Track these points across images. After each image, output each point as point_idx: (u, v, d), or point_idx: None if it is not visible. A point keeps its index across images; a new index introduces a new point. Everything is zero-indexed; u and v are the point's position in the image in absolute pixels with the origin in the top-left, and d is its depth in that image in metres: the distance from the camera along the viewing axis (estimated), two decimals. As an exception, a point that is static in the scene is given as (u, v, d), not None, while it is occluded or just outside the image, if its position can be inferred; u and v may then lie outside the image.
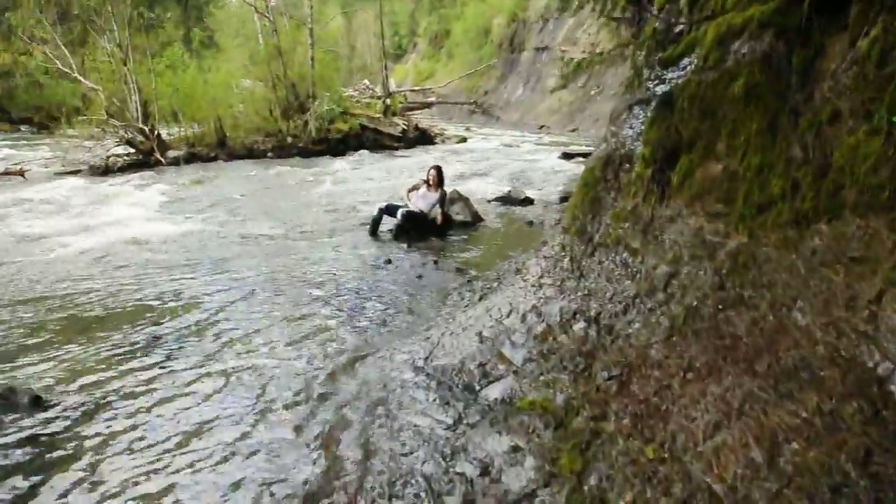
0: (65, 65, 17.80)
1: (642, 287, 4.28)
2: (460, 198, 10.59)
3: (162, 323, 5.72)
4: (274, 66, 20.54)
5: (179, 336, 5.43)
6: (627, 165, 5.00)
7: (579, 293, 4.64)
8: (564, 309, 4.59)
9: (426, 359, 4.76)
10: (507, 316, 4.89)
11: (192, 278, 7.06)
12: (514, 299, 5.08)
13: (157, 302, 6.26)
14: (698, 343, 3.74)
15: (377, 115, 22.94)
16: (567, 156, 19.79)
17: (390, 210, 9.51)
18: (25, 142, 21.97)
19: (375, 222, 9.53)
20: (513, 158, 19.43)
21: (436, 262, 7.75)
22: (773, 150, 3.68)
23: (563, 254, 5.12)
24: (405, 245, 8.77)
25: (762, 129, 3.82)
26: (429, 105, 35.70)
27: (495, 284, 6.18)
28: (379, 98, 24.64)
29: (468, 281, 6.82)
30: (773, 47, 3.82)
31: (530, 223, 10.42)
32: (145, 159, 16.93)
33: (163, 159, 17.02)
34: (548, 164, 18.33)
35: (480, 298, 5.82)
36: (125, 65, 17.01)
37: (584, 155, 19.83)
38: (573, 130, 32.69)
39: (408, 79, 49.09)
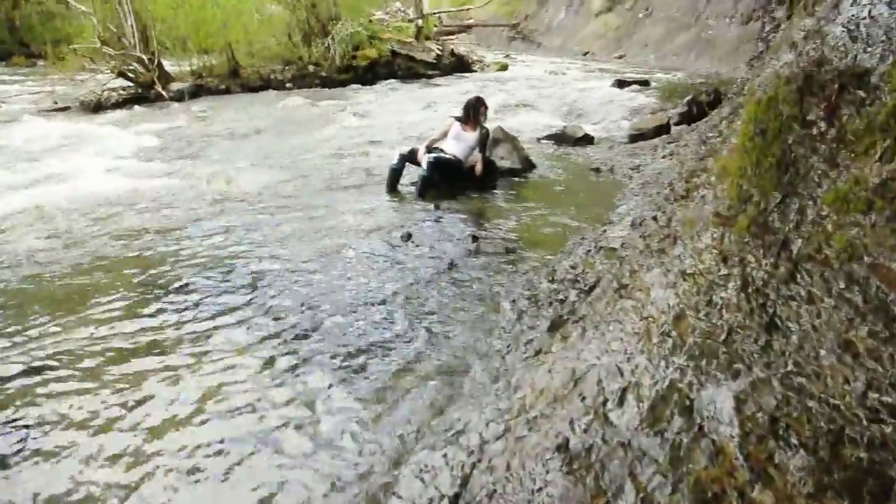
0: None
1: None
2: (506, 137, 7.96)
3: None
4: (291, -17, 17.72)
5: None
6: (860, 94, 2.40)
7: (777, 370, 2.11)
8: (750, 412, 2.07)
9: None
10: (619, 403, 2.38)
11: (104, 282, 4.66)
12: (626, 360, 2.54)
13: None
14: None
15: (409, 40, 19.99)
16: (621, 83, 16.80)
17: (414, 157, 6.94)
18: (33, 77, 19.52)
19: (394, 174, 6.97)
20: (561, 87, 16.52)
21: (475, 240, 5.21)
22: None
23: (725, 271, 2.56)
24: (433, 207, 6.23)
25: None
26: (467, 28, 32.39)
27: (574, 299, 3.64)
28: (411, 21, 21.61)
29: (528, 282, 4.29)
30: None
31: (597, 170, 7.79)
32: (145, 93, 14.43)
33: (165, 93, 14.49)
34: (600, 93, 15.39)
35: (553, 329, 3.31)
36: (115, -20, 14.38)
37: (641, 83, 16.94)
38: (620, 57, 29.32)
39: (444, 4, 45.31)
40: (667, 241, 3.08)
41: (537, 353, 3.16)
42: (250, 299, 4.19)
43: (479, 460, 2.42)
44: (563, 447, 2.32)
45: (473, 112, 7.20)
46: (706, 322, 2.42)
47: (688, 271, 2.69)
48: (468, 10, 33.72)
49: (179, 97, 14.61)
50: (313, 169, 8.03)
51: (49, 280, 4.55)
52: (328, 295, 4.24)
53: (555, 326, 3.37)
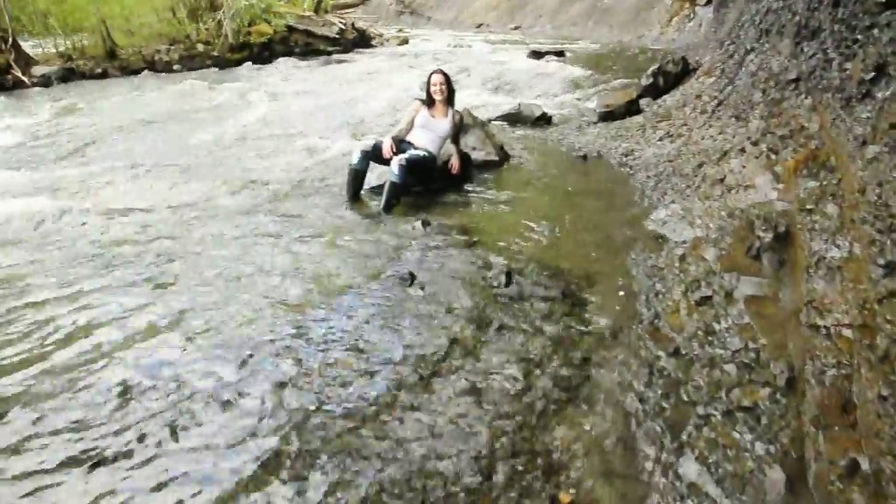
0: None
1: None
2: (475, 123, 6.29)
3: None
4: (172, -48, 15.06)
5: None
6: None
7: None
8: None
9: None
10: None
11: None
12: None
13: None
14: None
15: (307, 14, 17.73)
16: (537, 54, 15.44)
17: (378, 153, 5.15)
18: None
19: (357, 177, 5.14)
20: (476, 61, 14.87)
21: (510, 279, 3.51)
22: None
23: None
24: (420, 224, 4.47)
25: None
26: (363, 1, 30.20)
27: (772, 407, 2.09)
28: (306, -7, 19.29)
29: (635, 355, 2.67)
30: None
31: (584, 157, 6.28)
32: (-1, 79, 11.65)
33: (26, 78, 11.70)
34: (520, 65, 13.92)
35: (796, 485, 1.76)
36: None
37: (556, 53, 15.61)
38: (515, 28, 28.11)
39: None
40: None
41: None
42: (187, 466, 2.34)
43: None
44: None
45: (440, 89, 5.50)
46: None
47: None
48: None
49: (46, 83, 11.86)
50: (235, 172, 6.04)
51: None
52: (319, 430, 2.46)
53: (796, 477, 1.82)
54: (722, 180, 4.28)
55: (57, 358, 2.80)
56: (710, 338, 2.64)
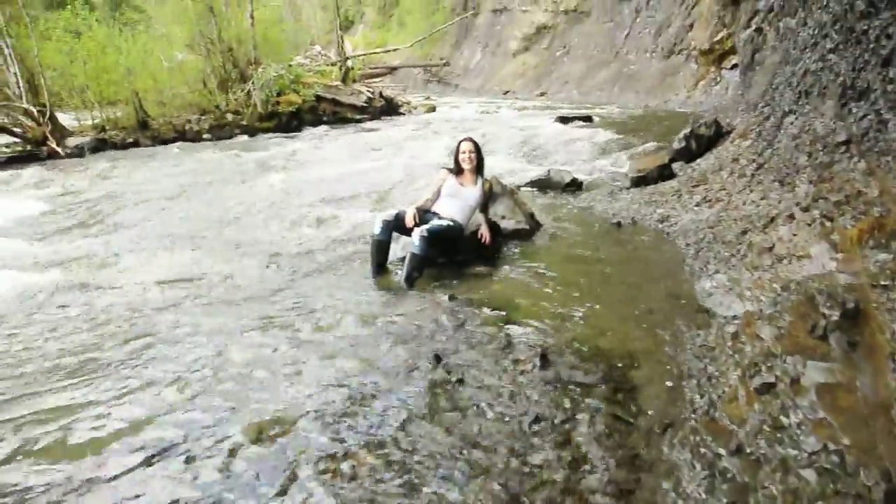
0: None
1: None
2: (504, 191, 6.06)
3: None
4: (204, 28, 15.43)
5: None
6: None
7: None
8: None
9: None
10: None
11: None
12: None
13: None
14: None
15: (335, 83, 18.01)
16: (564, 120, 15.39)
17: (401, 223, 4.94)
18: None
19: (380, 248, 4.91)
20: (503, 127, 14.86)
21: (546, 361, 3.19)
22: None
23: None
24: (447, 299, 4.20)
25: None
26: (391, 70, 30.82)
27: None
28: (333, 64, 19.63)
29: (695, 452, 2.33)
30: None
31: (618, 225, 6.01)
32: (35, 150, 11.84)
33: (60, 149, 11.94)
34: (547, 130, 13.82)
35: None
36: (-7, 26, 11.87)
37: (584, 118, 15.54)
38: (542, 94, 28.39)
39: (357, 50, 43.51)
40: None
41: None
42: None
43: None
44: None
45: (469, 157, 5.31)
46: None
47: None
48: (395, 49, 32.00)
49: (79, 154, 12.14)
50: (256, 245, 5.87)
51: None
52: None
53: None
54: (770, 249, 3.97)
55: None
56: (778, 434, 2.30)
